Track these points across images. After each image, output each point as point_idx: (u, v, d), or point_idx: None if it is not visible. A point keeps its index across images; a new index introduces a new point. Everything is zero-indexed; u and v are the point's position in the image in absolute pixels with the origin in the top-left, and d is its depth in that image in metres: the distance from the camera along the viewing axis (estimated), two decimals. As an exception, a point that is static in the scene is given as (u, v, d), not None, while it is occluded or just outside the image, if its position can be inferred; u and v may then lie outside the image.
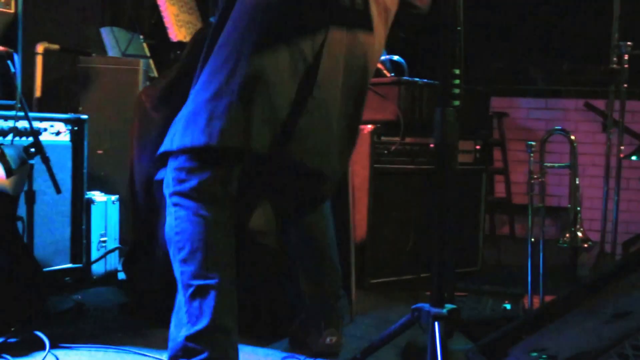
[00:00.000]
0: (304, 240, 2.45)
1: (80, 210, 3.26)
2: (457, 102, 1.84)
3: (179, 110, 2.17)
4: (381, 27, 2.26)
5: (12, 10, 3.11)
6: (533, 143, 2.69)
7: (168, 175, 2.14)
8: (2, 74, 3.01)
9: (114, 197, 3.44)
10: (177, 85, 2.56)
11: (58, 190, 2.89)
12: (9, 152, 2.66)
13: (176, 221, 2.10)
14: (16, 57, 2.98)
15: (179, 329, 2.02)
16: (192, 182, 2.07)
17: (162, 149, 2.15)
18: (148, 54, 4.52)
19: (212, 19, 2.75)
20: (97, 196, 3.37)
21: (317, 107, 2.12)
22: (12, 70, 2.92)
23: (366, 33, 2.20)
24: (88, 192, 3.33)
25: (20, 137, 2.99)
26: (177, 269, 2.08)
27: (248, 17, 2.11)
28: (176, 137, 2.10)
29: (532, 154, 2.69)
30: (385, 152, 3.46)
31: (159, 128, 2.52)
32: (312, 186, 2.30)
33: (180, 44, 4.51)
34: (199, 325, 1.99)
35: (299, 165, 2.16)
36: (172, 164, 2.13)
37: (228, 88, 2.05)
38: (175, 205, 2.11)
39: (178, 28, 4.48)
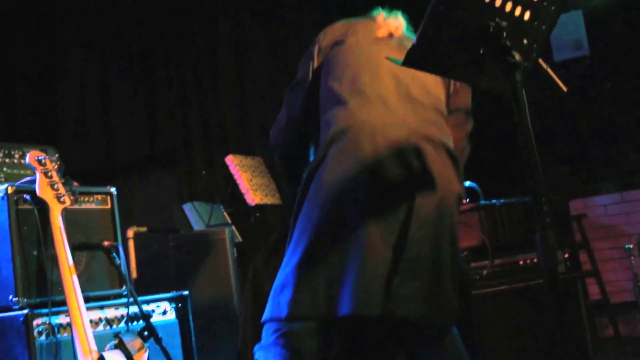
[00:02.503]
0: None
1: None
2: (548, 220, 1.92)
3: None
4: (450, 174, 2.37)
5: (109, 206, 3.36)
6: (630, 246, 2.73)
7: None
8: (109, 266, 3.22)
9: (223, 365, 3.54)
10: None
11: (174, 368, 3.02)
12: (127, 339, 2.82)
13: None
14: (120, 249, 3.20)
15: None
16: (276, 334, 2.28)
17: (262, 318, 2.35)
18: (230, 221, 4.74)
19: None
20: (209, 367, 3.48)
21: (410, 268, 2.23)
22: (118, 261, 3.14)
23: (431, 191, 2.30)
24: (199, 365, 3.44)
25: (132, 322, 3.14)
26: None
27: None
28: (266, 309, 2.32)
29: (632, 257, 2.72)
30: (478, 277, 3.51)
31: None
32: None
33: (258, 207, 4.74)
34: None
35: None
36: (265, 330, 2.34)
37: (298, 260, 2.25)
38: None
39: (254, 192, 4.72)
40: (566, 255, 3.89)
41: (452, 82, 2.51)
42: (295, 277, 2.22)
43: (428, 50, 1.78)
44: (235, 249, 4.24)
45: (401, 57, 2.34)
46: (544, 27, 1.92)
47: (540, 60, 2.00)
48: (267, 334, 2.32)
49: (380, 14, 2.58)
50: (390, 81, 2.39)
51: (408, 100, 2.37)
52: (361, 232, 2.18)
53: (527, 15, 1.87)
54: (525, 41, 1.89)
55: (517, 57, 1.79)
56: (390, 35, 2.52)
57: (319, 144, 2.37)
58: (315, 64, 2.49)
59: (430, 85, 2.45)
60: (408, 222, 2.22)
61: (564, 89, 2.15)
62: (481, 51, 1.81)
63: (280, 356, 2.25)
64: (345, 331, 2.31)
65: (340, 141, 2.28)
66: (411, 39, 2.53)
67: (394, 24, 2.54)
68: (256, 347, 2.35)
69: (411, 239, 2.20)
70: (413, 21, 2.60)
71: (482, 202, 3.60)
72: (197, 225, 4.67)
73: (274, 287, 2.31)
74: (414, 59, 1.79)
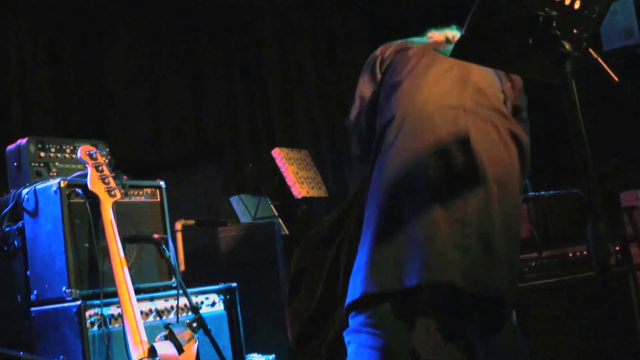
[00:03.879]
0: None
1: (244, 375, 3.39)
2: (599, 211, 1.89)
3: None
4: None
5: (158, 199, 3.41)
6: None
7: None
8: (158, 258, 3.27)
9: (271, 357, 3.56)
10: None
11: (222, 359, 3.06)
12: (177, 330, 2.86)
13: (348, 357, 2.35)
14: (170, 241, 3.25)
15: None
16: (360, 318, 2.33)
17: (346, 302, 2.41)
18: (276, 214, 4.77)
19: None
20: (256, 358, 3.50)
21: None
22: (167, 253, 3.19)
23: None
24: (247, 356, 3.47)
25: (182, 313, 3.18)
26: None
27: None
28: (349, 292, 2.40)
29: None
30: (526, 269, 3.48)
31: None
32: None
33: (304, 199, 4.76)
34: None
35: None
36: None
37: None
38: (348, 343, 2.35)
39: (300, 185, 4.74)
40: (617, 248, 3.83)
41: (509, 85, 2.59)
42: (367, 259, 2.32)
43: (477, 41, 1.76)
44: (282, 242, 4.27)
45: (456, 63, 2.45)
46: (594, 15, 1.89)
47: (591, 50, 1.97)
48: (352, 319, 2.39)
49: (434, 32, 2.73)
50: (449, 67, 2.48)
51: (467, 83, 2.45)
52: (424, 212, 2.25)
53: (577, 4, 1.84)
54: (575, 31, 1.86)
55: (567, 47, 1.76)
56: (448, 40, 2.64)
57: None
58: (379, 77, 2.58)
59: (490, 80, 2.53)
60: (469, 203, 2.28)
61: (615, 79, 2.11)
62: (530, 41, 1.79)
63: (369, 338, 2.31)
64: (417, 305, 2.37)
65: (401, 128, 2.36)
66: None
67: (451, 33, 2.67)
68: (345, 332, 2.42)
69: (471, 217, 2.27)
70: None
71: (531, 193, 3.55)
72: (244, 217, 4.70)
73: (352, 273, 2.40)
74: (463, 49, 1.77)
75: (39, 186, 3.08)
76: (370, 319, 2.31)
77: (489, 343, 2.41)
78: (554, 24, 1.78)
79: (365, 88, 2.59)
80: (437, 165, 2.28)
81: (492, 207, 2.28)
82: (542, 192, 3.56)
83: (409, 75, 2.46)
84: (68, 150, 3.46)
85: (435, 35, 2.70)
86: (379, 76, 2.56)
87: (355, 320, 2.36)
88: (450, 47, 2.57)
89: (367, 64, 2.63)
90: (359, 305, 2.34)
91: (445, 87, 2.42)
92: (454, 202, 2.26)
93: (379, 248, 2.31)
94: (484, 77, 2.50)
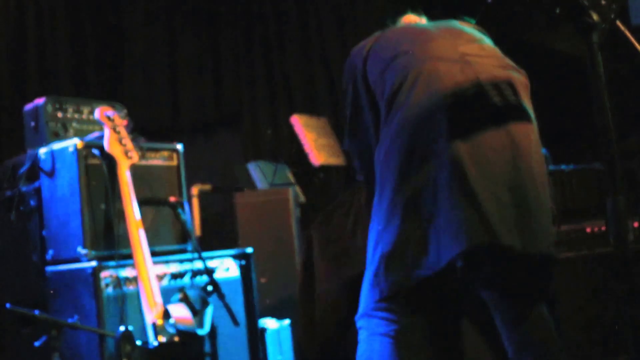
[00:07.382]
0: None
1: (257, 340, 3.40)
2: (620, 185, 1.86)
3: None
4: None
5: (175, 163, 3.40)
6: None
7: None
8: (174, 221, 3.27)
9: (285, 322, 3.58)
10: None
11: (236, 323, 3.06)
12: (191, 294, 2.87)
13: (359, 344, 2.21)
14: (186, 205, 3.25)
15: None
16: (372, 300, 2.18)
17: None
18: (293, 181, 4.76)
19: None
20: (270, 323, 3.52)
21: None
22: (183, 217, 3.19)
23: (524, 123, 2.21)
24: (261, 320, 3.48)
25: (196, 277, 3.19)
26: None
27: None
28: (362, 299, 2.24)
29: None
30: (543, 243, 3.44)
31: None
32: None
33: (322, 167, 4.74)
34: None
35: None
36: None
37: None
38: (360, 328, 2.22)
39: (318, 152, 4.71)
40: (636, 225, 3.78)
41: None
42: (393, 236, 2.12)
43: (503, 10, 1.72)
44: (298, 209, 4.26)
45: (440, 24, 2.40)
46: (624, -14, 1.84)
47: (618, 23, 1.92)
48: (365, 300, 2.22)
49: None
50: (435, 30, 2.36)
51: (461, 38, 2.28)
52: (452, 169, 2.07)
53: (606, -26, 1.79)
54: (603, 1, 1.81)
55: (595, 17, 1.72)
56: (415, 22, 2.66)
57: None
58: (361, 66, 2.44)
59: (480, 35, 2.33)
60: (495, 149, 2.11)
61: (643, 52, 2.06)
62: (557, 11, 1.75)
63: (381, 324, 2.16)
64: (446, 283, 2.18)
65: (413, 86, 2.17)
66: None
67: (416, 18, 2.69)
68: (357, 317, 2.24)
69: (500, 166, 2.12)
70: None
71: (551, 167, 3.51)
72: (261, 184, 4.69)
73: (375, 249, 2.20)
74: (488, 18, 1.73)
75: (56, 146, 3.08)
76: (384, 303, 2.14)
77: (517, 329, 2.22)
78: (582, -7, 1.74)
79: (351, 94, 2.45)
80: (456, 116, 2.10)
81: (519, 150, 2.14)
82: (562, 166, 3.51)
83: (401, 45, 2.32)
84: (86, 112, 3.45)
85: (403, 20, 2.71)
86: (361, 70, 2.42)
87: (367, 302, 2.19)
88: (420, 24, 2.58)
89: (346, 72, 2.52)
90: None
91: (444, 42, 2.27)
92: (480, 152, 2.08)
93: (407, 221, 2.09)
94: (474, 32, 2.31)
